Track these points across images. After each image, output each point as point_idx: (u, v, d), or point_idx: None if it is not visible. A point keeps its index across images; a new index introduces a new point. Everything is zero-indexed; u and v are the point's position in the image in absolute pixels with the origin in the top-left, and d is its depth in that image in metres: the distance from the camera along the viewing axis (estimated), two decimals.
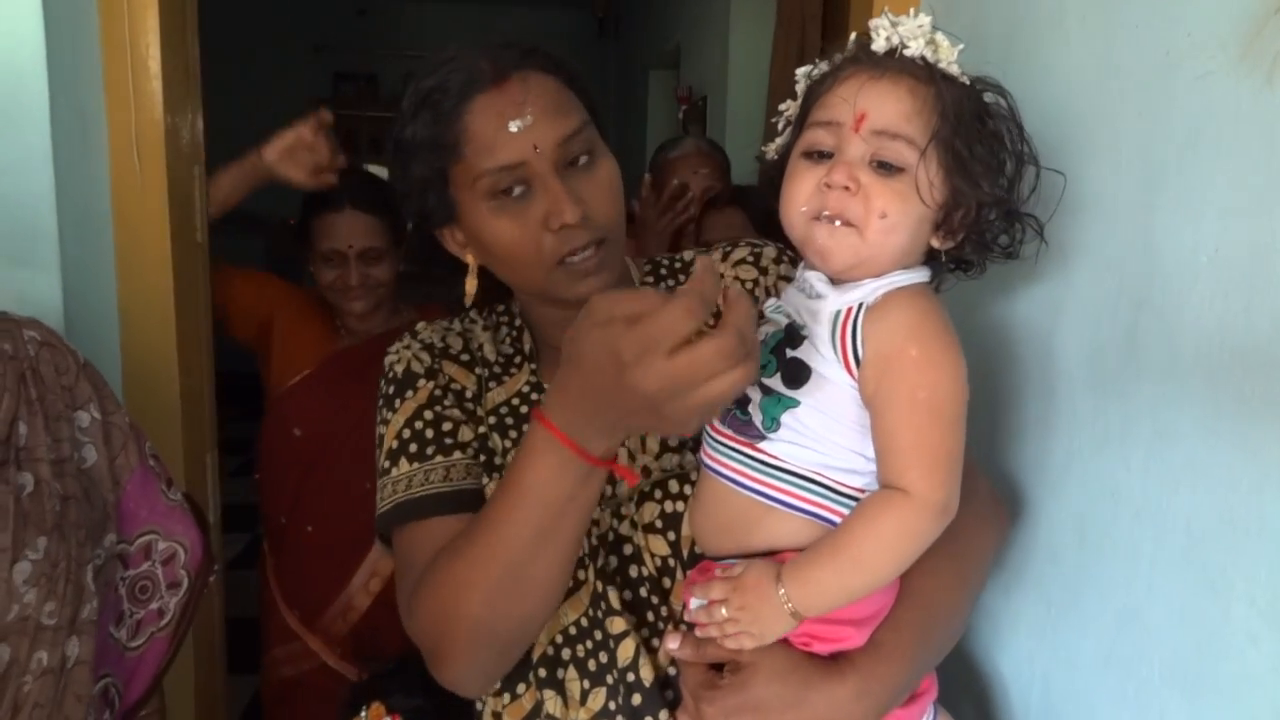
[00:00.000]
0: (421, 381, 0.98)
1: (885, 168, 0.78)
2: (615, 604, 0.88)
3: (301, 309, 1.84)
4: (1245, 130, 0.74)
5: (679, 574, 0.89)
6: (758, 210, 1.90)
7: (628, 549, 0.90)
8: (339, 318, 1.82)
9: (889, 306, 0.78)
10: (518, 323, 1.04)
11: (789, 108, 0.89)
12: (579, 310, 0.91)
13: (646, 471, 0.93)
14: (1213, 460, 0.78)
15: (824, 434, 0.79)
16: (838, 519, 0.80)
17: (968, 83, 0.80)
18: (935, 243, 0.82)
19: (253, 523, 2.03)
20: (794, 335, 0.82)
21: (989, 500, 0.97)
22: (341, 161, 1.67)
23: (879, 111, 0.78)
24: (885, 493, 0.77)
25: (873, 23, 0.81)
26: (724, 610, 0.79)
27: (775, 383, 0.81)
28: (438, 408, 0.96)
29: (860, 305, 0.79)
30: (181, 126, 1.42)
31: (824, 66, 0.85)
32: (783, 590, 0.77)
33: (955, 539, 0.80)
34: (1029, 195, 0.84)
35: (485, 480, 0.93)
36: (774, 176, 0.86)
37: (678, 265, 1.08)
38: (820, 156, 0.80)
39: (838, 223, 0.78)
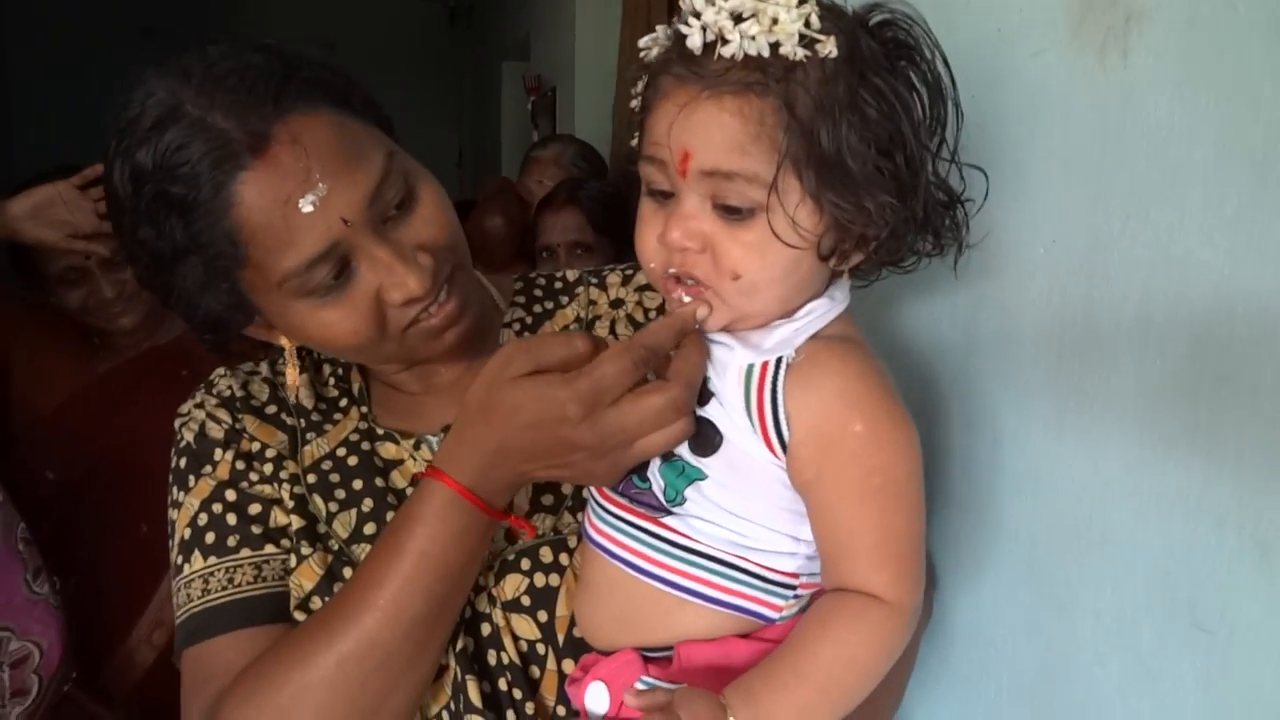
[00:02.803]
0: (219, 452, 0.79)
1: (731, 212, 0.61)
2: (474, 698, 0.71)
3: (46, 332, 1.56)
4: (1079, 111, 0.69)
5: (550, 662, 0.73)
6: (595, 207, 1.82)
7: (485, 629, 0.73)
8: (97, 335, 1.57)
9: (817, 371, 0.63)
10: (344, 359, 0.87)
11: (637, 103, 0.68)
12: (437, 359, 0.79)
13: (509, 535, 0.76)
14: (1055, 468, 0.73)
15: (740, 512, 0.64)
16: (769, 612, 0.65)
17: (827, 40, 0.57)
18: (836, 265, 0.65)
19: None
20: (701, 390, 0.65)
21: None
22: (105, 228, 1.40)
23: (704, 147, 0.59)
24: (850, 601, 0.62)
25: (683, 3, 0.60)
26: None
27: (681, 447, 0.65)
28: (242, 484, 0.78)
29: (778, 362, 0.63)
30: None
31: (644, 65, 0.65)
32: None
33: None
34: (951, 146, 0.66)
35: (307, 551, 0.76)
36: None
37: (557, 286, 0.91)
38: (662, 196, 0.64)
39: (690, 282, 0.64)
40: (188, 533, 0.77)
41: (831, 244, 0.63)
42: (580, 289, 0.90)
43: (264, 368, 0.88)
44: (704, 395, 0.65)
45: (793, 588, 0.65)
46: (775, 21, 0.57)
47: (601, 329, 0.87)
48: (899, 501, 0.63)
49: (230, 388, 0.84)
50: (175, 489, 0.81)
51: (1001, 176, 0.77)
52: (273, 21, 5.57)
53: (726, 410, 0.64)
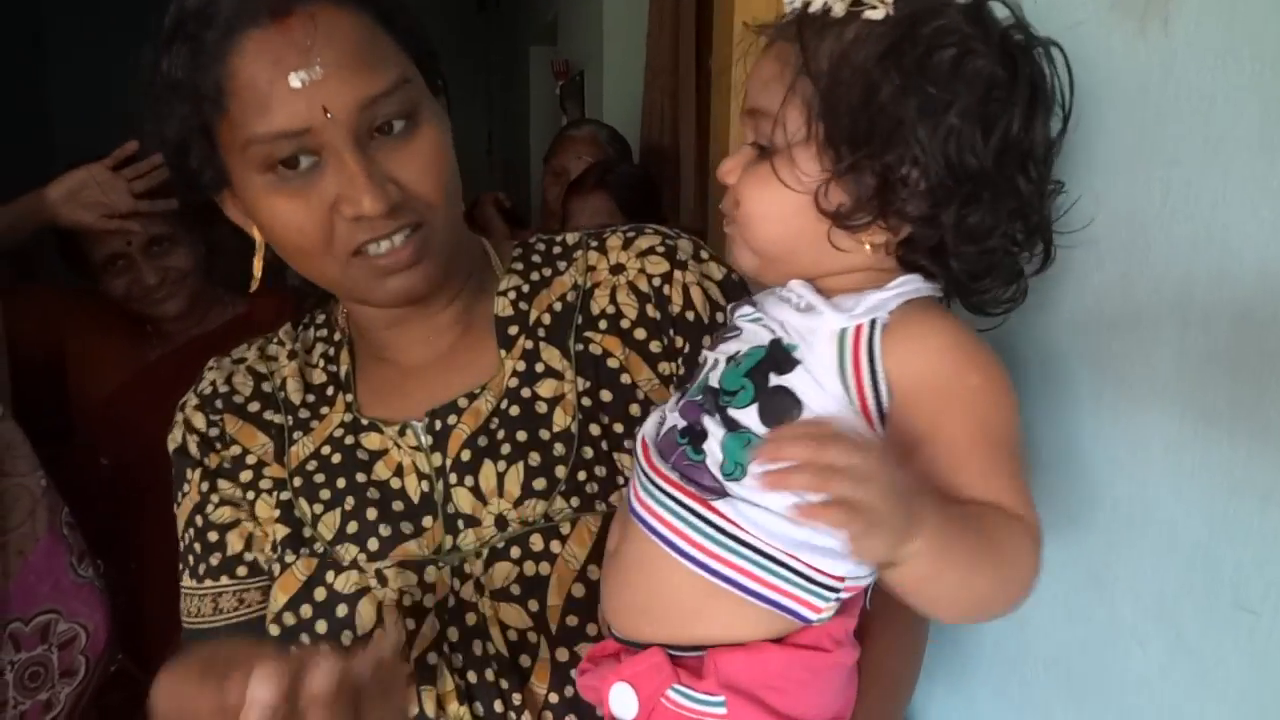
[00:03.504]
0: (189, 472, 0.81)
1: (760, 150, 0.64)
2: (452, 690, 0.71)
3: (99, 319, 1.58)
4: (1119, 82, 0.68)
5: (543, 650, 0.71)
6: (624, 192, 1.81)
7: (471, 618, 0.72)
8: (149, 322, 1.59)
9: (918, 329, 0.61)
10: (337, 335, 0.85)
11: None
12: (406, 312, 0.77)
13: (501, 522, 0.74)
14: (1095, 445, 0.72)
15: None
16: (809, 613, 0.62)
17: (879, 7, 0.59)
18: (866, 241, 0.63)
19: None
20: (780, 357, 0.63)
21: None
22: (144, 206, 1.45)
23: (749, 88, 0.65)
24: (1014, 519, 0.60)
25: None
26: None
27: (748, 416, 0.62)
28: (206, 509, 0.79)
29: (873, 323, 0.61)
30: None
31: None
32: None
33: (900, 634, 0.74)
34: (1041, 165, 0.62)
35: (291, 559, 0.75)
36: None
37: (556, 251, 0.87)
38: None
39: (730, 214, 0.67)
40: (180, 544, 0.80)
41: (839, 204, 0.61)
42: (579, 253, 0.86)
43: (252, 353, 0.86)
44: (785, 363, 0.63)
45: (836, 590, 0.62)
46: None
47: (601, 296, 0.82)
48: (1016, 447, 0.62)
49: (214, 384, 0.84)
50: (176, 492, 0.83)
51: None
52: None
53: (815, 378, 0.61)
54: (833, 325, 0.62)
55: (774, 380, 0.62)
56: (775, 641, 0.64)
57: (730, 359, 0.66)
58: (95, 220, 1.44)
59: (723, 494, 0.62)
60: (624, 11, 2.99)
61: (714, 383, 0.66)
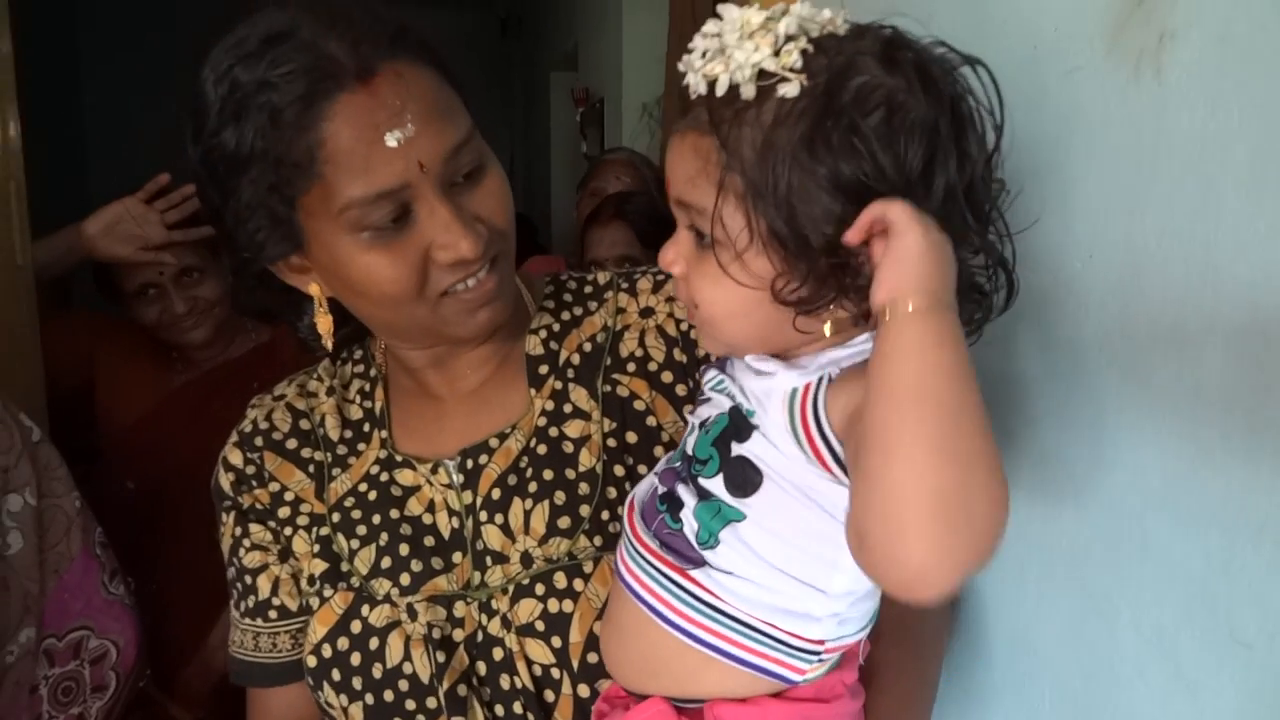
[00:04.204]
0: (226, 512, 0.85)
1: (701, 238, 0.61)
2: (479, 717, 0.73)
3: (128, 345, 1.64)
4: (1115, 127, 0.70)
5: (565, 686, 0.73)
6: (642, 222, 1.83)
7: (498, 654, 0.74)
8: (176, 350, 1.65)
9: (856, 372, 0.59)
10: (373, 371, 0.88)
11: None
12: (462, 347, 0.80)
13: (527, 559, 0.76)
14: (1096, 479, 0.74)
15: (775, 560, 0.61)
16: (792, 675, 0.63)
17: (792, 80, 0.56)
18: (829, 320, 0.60)
19: None
20: (740, 424, 0.63)
21: (944, 607, 0.84)
22: (178, 236, 1.51)
23: (671, 178, 0.62)
24: None
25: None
26: None
27: (716, 485, 0.63)
28: (240, 553, 0.83)
29: (820, 379, 0.60)
30: None
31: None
32: None
33: (917, 654, 0.73)
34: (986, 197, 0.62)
35: (329, 592, 0.78)
36: None
37: (587, 291, 0.90)
38: None
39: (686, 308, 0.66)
40: (228, 575, 0.84)
41: (797, 295, 0.58)
42: (609, 293, 0.89)
43: (291, 389, 0.89)
44: (744, 431, 0.63)
45: (817, 653, 0.64)
46: (729, 58, 0.56)
47: (630, 339, 0.85)
48: None
49: (254, 422, 0.87)
50: None
51: (1040, 191, 0.78)
52: None
53: (771, 441, 0.62)
54: (785, 386, 0.61)
55: (735, 449, 0.63)
56: (774, 695, 0.65)
57: (702, 424, 0.67)
58: (131, 253, 1.50)
59: (701, 564, 0.63)
60: (643, 40, 3.04)
61: (689, 449, 0.68)
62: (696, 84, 0.59)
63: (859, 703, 0.68)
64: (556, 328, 0.86)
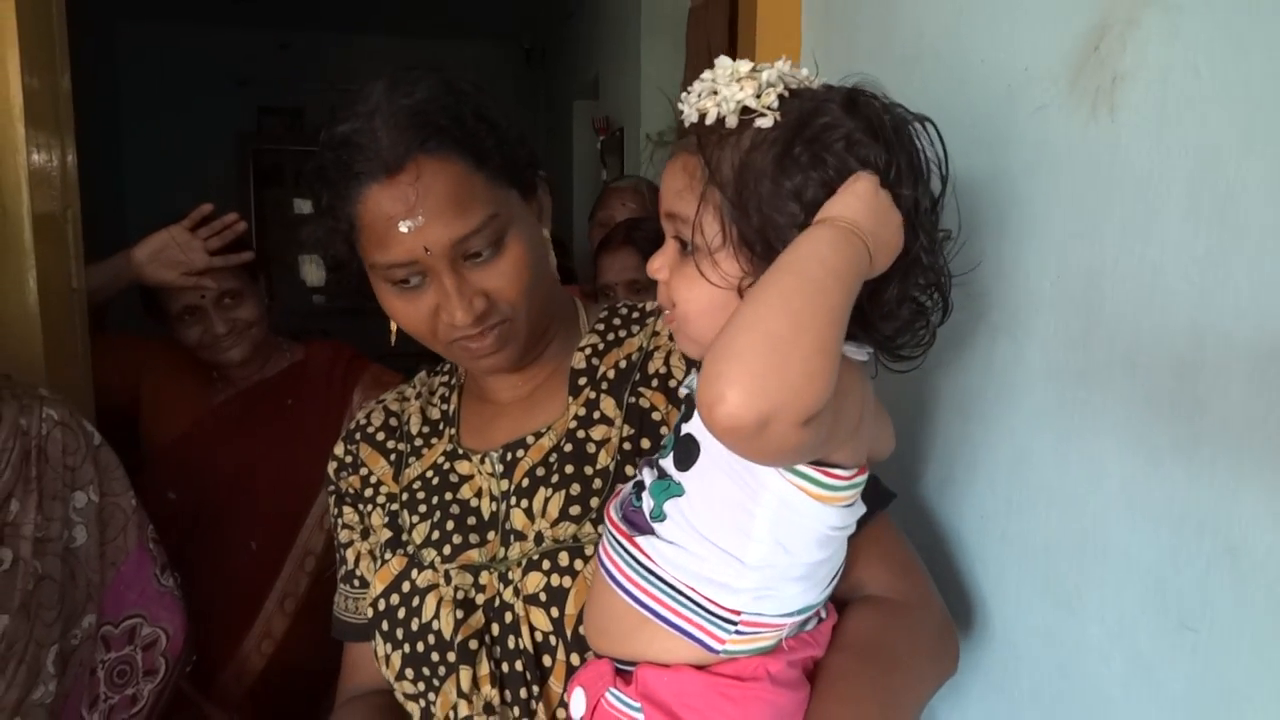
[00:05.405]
0: (329, 498, 1.02)
1: (684, 247, 0.71)
2: (487, 676, 0.84)
3: (172, 365, 1.73)
4: (1076, 160, 0.77)
5: (560, 653, 0.83)
6: (650, 246, 1.89)
7: (508, 617, 0.85)
8: (215, 369, 1.74)
9: None
10: (454, 380, 1.03)
11: None
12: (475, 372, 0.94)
13: (539, 538, 0.87)
14: (1064, 482, 0.80)
15: (703, 529, 0.69)
16: (712, 642, 0.70)
17: (767, 115, 0.66)
18: None
19: None
20: (690, 406, 0.72)
21: (936, 631, 0.85)
22: (218, 262, 1.62)
23: (663, 193, 0.72)
24: None
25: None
26: None
27: (668, 464, 0.72)
28: (338, 529, 1.00)
29: None
30: (50, 167, 1.36)
31: None
32: None
33: (888, 668, 0.76)
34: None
35: (389, 556, 0.92)
36: None
37: (634, 316, 1.01)
38: None
39: (668, 310, 0.73)
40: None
41: None
42: (651, 319, 1.00)
43: (391, 395, 1.05)
44: (690, 410, 0.71)
45: (734, 623, 0.70)
46: (719, 95, 0.67)
47: (658, 358, 0.95)
48: None
49: (359, 421, 1.03)
50: None
51: (1013, 217, 0.85)
52: (354, 68, 5.85)
53: None
54: None
55: (683, 429, 0.72)
56: (696, 667, 0.71)
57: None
58: (175, 277, 1.59)
59: (649, 533, 0.72)
60: (661, 69, 3.13)
61: (663, 441, 0.77)
62: (689, 114, 0.69)
63: (787, 697, 0.72)
64: (601, 346, 0.98)
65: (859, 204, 0.63)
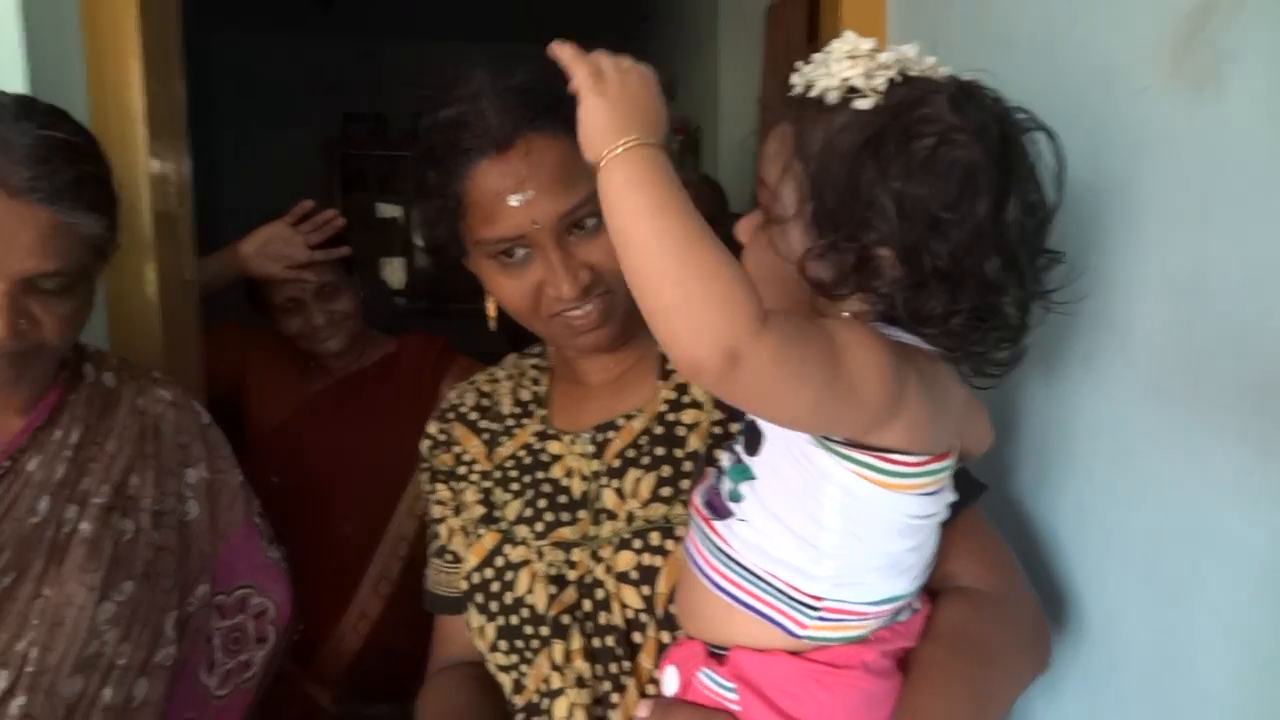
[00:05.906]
0: (424, 472, 1.04)
1: (766, 214, 0.72)
2: (579, 649, 0.86)
3: (272, 356, 1.81)
4: (1180, 143, 0.75)
5: (650, 630, 0.84)
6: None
7: (600, 594, 0.87)
8: (314, 359, 1.80)
9: None
10: (545, 363, 1.06)
11: None
12: (572, 351, 0.96)
13: (630, 518, 0.89)
14: (1169, 474, 0.78)
15: (779, 513, 0.69)
16: (794, 627, 0.70)
17: (867, 97, 0.64)
18: (845, 310, 0.68)
19: None
20: None
21: (1030, 625, 0.85)
22: (319, 256, 1.69)
23: (760, 158, 0.72)
24: None
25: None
26: None
27: (741, 449, 0.74)
28: (431, 504, 1.03)
29: None
30: (168, 169, 1.44)
31: None
32: None
33: (980, 660, 0.76)
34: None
35: (483, 531, 0.94)
36: None
37: None
38: None
39: None
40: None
41: (821, 276, 0.66)
42: None
43: (483, 376, 1.08)
44: None
45: (816, 609, 0.69)
46: (829, 69, 0.66)
47: None
48: None
49: (451, 401, 1.06)
50: None
51: (1112, 205, 0.84)
52: (438, 70, 5.99)
53: None
54: None
55: (748, 414, 0.73)
56: (790, 653, 0.71)
57: None
58: (278, 270, 1.67)
59: (728, 515, 0.72)
60: (739, 68, 3.13)
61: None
62: (799, 84, 0.69)
63: (879, 686, 0.72)
64: None
65: (601, 111, 0.65)
